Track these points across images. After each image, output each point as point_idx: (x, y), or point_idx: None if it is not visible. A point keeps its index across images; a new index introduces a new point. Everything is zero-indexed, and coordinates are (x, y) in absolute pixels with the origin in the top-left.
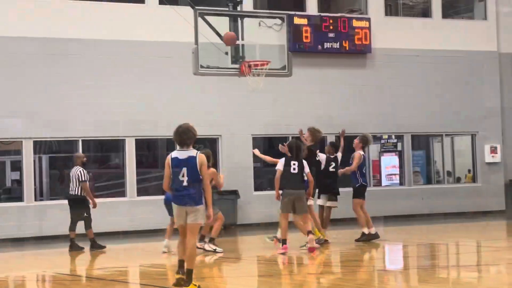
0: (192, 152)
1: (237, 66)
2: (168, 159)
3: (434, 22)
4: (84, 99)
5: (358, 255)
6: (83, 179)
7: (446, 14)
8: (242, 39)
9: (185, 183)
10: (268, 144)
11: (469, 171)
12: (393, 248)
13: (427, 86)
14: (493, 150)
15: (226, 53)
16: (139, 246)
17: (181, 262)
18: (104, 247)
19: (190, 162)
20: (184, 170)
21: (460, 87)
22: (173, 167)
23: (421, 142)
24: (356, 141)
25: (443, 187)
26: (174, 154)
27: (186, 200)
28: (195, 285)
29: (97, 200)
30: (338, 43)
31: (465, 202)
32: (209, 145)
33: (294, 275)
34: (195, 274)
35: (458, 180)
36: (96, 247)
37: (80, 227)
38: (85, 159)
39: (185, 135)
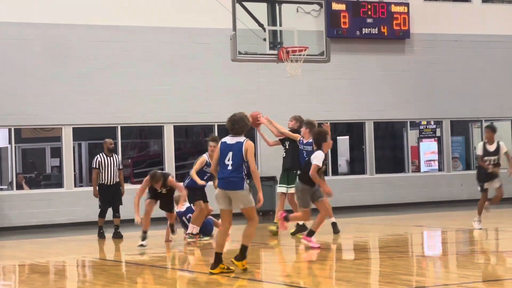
0: (241, 138)
1: (275, 52)
2: (219, 144)
3: (473, 6)
4: (122, 85)
5: (395, 241)
6: (92, 165)
7: None
8: (280, 25)
9: (229, 167)
10: None
11: None
12: (432, 234)
13: (466, 72)
14: None
15: (264, 39)
16: (178, 232)
17: (217, 255)
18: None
19: (236, 146)
20: (230, 154)
21: (499, 72)
22: (221, 151)
23: (460, 127)
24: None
25: None
26: (224, 139)
27: (229, 184)
28: (224, 267)
29: (137, 186)
30: (376, 29)
31: (505, 188)
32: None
33: (331, 260)
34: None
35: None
36: (101, 237)
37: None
38: (111, 145)
39: (237, 124)
